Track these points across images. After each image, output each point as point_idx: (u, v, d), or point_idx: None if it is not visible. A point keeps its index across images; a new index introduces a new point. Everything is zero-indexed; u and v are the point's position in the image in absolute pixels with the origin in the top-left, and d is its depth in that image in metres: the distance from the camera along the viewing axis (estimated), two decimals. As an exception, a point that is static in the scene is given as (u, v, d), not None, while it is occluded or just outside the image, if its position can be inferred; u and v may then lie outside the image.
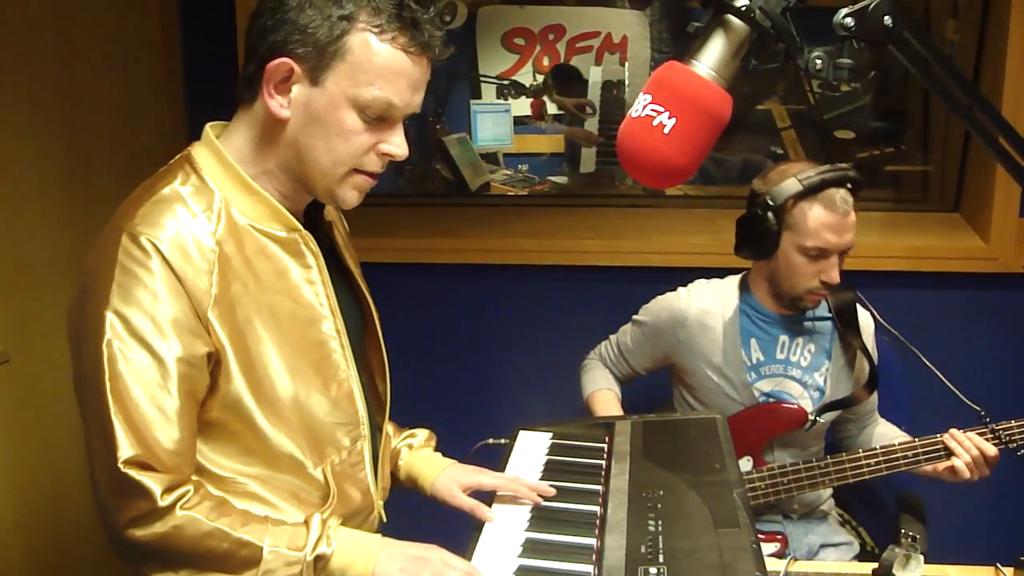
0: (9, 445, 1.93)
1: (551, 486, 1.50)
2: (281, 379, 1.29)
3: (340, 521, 1.29)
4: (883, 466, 1.85)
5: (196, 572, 1.20)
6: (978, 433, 1.81)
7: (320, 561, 1.22)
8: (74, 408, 1.24)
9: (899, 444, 1.86)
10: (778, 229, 1.84)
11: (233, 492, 1.27)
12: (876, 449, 1.86)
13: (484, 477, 1.53)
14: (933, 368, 1.84)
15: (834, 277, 1.85)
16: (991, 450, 1.79)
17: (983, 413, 1.80)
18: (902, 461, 1.84)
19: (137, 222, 1.20)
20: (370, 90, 1.23)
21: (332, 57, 1.22)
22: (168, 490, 1.18)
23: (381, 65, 1.23)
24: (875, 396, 2.05)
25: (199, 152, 1.30)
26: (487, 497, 1.51)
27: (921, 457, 1.84)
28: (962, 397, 1.81)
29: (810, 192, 1.82)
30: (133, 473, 1.16)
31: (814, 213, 1.82)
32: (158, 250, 1.19)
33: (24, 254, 1.97)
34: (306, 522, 1.26)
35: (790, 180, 1.83)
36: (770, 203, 1.82)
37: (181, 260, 1.20)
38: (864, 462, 1.86)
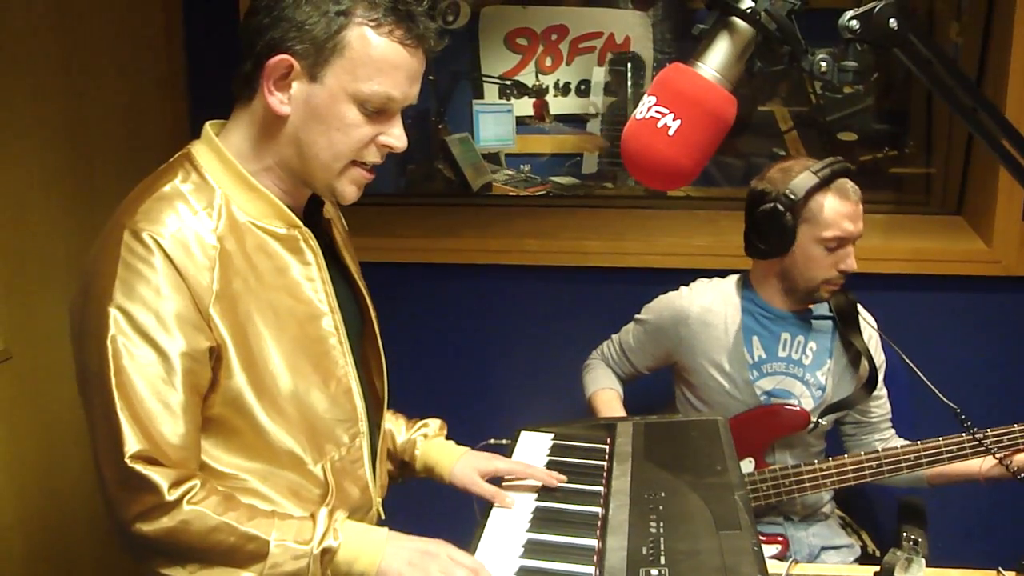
0: (10, 442, 1.93)
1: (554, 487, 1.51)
2: (281, 375, 1.29)
3: (347, 515, 1.29)
4: (884, 469, 1.85)
5: (203, 566, 1.20)
6: (961, 438, 1.81)
7: (327, 554, 1.22)
8: (76, 405, 1.25)
9: (901, 447, 1.86)
10: (794, 224, 1.84)
11: (233, 488, 1.28)
12: (878, 451, 1.86)
13: (500, 462, 1.56)
14: (918, 371, 1.83)
15: (852, 265, 1.88)
16: None
17: (965, 418, 1.79)
18: (904, 464, 1.84)
19: (139, 219, 1.21)
20: (369, 84, 1.24)
21: (331, 53, 1.23)
22: (175, 484, 1.18)
23: (379, 59, 1.23)
24: (885, 404, 2.05)
25: (199, 150, 1.30)
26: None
27: (923, 461, 1.84)
28: (946, 400, 1.78)
29: (824, 184, 1.84)
30: (140, 467, 1.17)
31: (830, 204, 1.84)
32: (160, 246, 1.19)
33: (27, 251, 1.97)
34: (312, 516, 1.26)
35: (805, 174, 1.84)
36: (792, 198, 1.83)
37: (183, 256, 1.21)
38: (866, 464, 1.86)
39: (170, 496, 1.17)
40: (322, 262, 1.35)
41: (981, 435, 1.81)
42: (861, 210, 1.87)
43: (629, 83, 2.67)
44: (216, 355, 1.24)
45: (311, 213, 1.40)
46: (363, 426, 1.41)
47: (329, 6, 1.22)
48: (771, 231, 1.86)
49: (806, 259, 1.88)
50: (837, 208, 1.84)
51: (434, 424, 1.66)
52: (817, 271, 1.89)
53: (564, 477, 1.53)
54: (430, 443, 1.62)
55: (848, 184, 1.86)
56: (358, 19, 1.22)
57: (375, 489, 1.46)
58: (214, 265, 1.23)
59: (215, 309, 1.22)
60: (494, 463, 1.56)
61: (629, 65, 2.66)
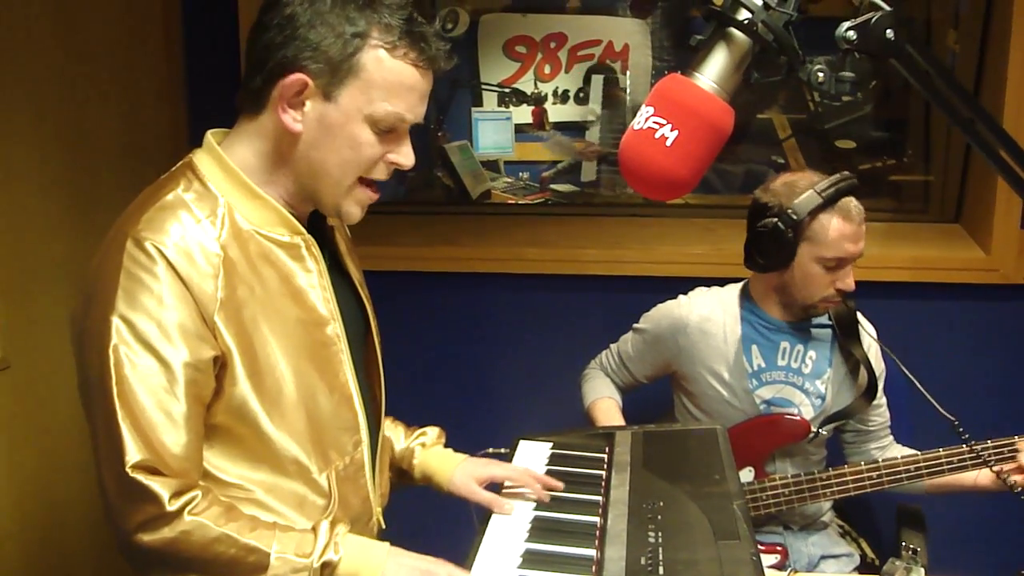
0: (9, 451, 1.93)
1: (552, 496, 1.51)
2: (287, 381, 1.29)
3: (348, 528, 1.29)
4: (885, 479, 1.85)
5: None
6: (961, 450, 1.81)
7: (327, 568, 1.22)
8: (74, 414, 1.25)
9: (901, 458, 1.86)
10: (795, 241, 1.84)
11: (238, 499, 1.27)
12: (878, 462, 1.86)
13: (496, 469, 1.57)
14: (918, 384, 1.81)
15: (850, 284, 1.87)
16: None
17: (963, 431, 1.78)
18: (903, 475, 1.84)
19: (142, 228, 1.21)
20: (383, 106, 1.25)
21: (346, 74, 1.23)
22: (176, 495, 1.18)
23: (394, 81, 1.25)
24: (885, 412, 2.05)
25: (201, 159, 1.30)
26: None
27: (923, 472, 1.83)
28: (944, 412, 1.77)
29: (828, 204, 1.82)
30: (141, 477, 1.16)
31: (834, 225, 1.83)
32: (163, 255, 1.19)
33: (25, 259, 1.97)
34: (314, 528, 1.26)
35: (809, 193, 1.82)
36: (794, 217, 1.81)
37: (186, 265, 1.20)
38: (865, 475, 1.86)
39: (171, 506, 1.17)
40: (324, 270, 1.35)
41: (980, 447, 1.80)
42: (864, 230, 1.86)
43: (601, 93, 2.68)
44: (220, 363, 1.24)
45: (315, 221, 1.40)
46: (364, 434, 1.41)
47: (345, 27, 1.22)
48: (771, 247, 1.86)
49: (804, 276, 1.88)
50: (840, 229, 1.83)
51: (432, 432, 1.66)
52: (815, 289, 1.88)
53: (561, 484, 1.53)
54: (428, 452, 1.62)
55: (852, 204, 1.84)
56: (374, 41, 1.23)
57: (375, 498, 1.46)
58: (218, 273, 1.23)
59: (220, 317, 1.22)
60: (491, 469, 1.57)
61: (606, 76, 2.67)
